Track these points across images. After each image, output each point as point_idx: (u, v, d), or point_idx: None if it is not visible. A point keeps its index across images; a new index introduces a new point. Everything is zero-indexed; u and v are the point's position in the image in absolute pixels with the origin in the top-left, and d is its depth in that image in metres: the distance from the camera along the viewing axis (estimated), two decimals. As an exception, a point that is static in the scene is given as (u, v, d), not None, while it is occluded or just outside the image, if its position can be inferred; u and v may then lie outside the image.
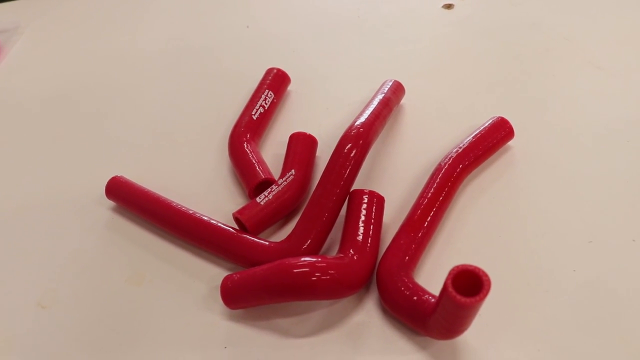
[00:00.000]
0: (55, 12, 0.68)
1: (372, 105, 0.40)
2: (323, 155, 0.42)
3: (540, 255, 0.35)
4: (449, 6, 0.57)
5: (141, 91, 0.53)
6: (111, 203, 0.42)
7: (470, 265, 0.26)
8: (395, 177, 0.41)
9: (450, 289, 0.26)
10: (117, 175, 0.41)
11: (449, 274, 0.26)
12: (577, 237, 0.36)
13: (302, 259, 0.32)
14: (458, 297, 0.26)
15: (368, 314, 0.33)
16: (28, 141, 0.49)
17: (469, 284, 0.26)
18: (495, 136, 0.40)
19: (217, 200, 0.41)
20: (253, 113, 0.44)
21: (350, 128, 0.37)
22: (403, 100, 0.46)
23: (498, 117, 0.41)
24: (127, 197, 0.40)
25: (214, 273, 0.36)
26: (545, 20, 0.54)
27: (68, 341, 0.34)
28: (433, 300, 0.30)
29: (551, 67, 0.49)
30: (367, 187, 0.36)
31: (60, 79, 0.56)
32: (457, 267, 0.26)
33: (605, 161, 0.40)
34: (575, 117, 0.44)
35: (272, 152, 0.44)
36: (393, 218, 0.38)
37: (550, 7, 0.55)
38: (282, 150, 0.42)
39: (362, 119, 0.38)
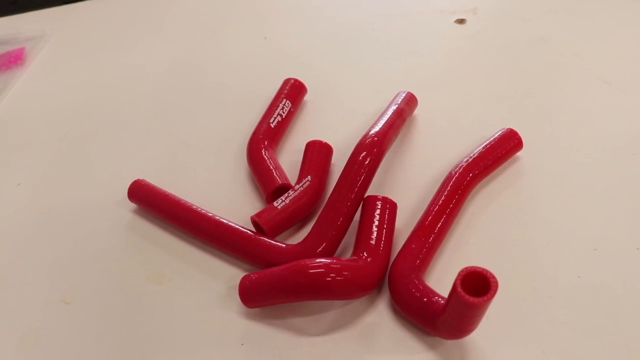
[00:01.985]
0: (80, 21, 0.70)
1: (386, 115, 0.42)
2: (338, 162, 0.44)
3: (546, 262, 0.36)
4: (461, 21, 0.58)
5: (163, 100, 0.54)
6: (133, 205, 0.43)
7: (479, 267, 0.28)
8: (408, 184, 0.42)
9: (459, 289, 0.27)
10: (139, 179, 0.43)
11: (458, 275, 0.28)
12: (582, 245, 0.37)
13: (318, 260, 0.33)
14: (467, 297, 0.27)
15: (380, 315, 0.35)
16: (53, 146, 0.51)
17: (477, 286, 0.28)
18: (505, 147, 0.41)
19: (235, 205, 0.42)
20: (271, 121, 0.45)
21: (365, 137, 0.39)
22: (416, 111, 0.47)
23: (507, 129, 0.42)
24: (148, 200, 0.42)
25: (232, 274, 0.38)
26: (554, 36, 0.55)
27: (90, 336, 0.36)
28: (442, 301, 0.32)
29: (560, 81, 0.50)
30: (381, 194, 0.37)
31: (84, 86, 0.58)
32: (466, 268, 0.28)
33: (610, 173, 0.41)
34: (582, 130, 0.45)
35: (288, 159, 0.45)
36: (405, 224, 0.39)
37: (559, 23, 0.57)
38: (299, 157, 0.43)
39: (377, 128, 0.40)
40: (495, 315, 0.33)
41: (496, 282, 0.27)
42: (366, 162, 0.38)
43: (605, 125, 0.45)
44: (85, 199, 0.45)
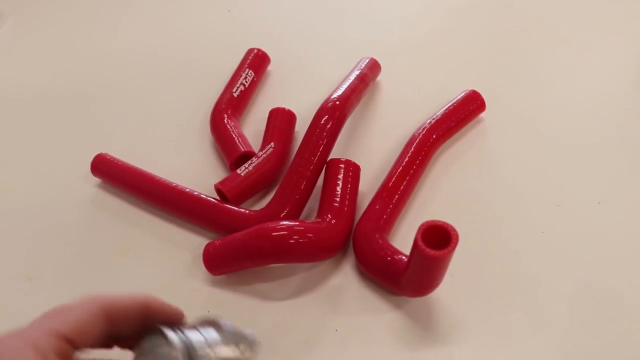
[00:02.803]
0: (40, 1, 0.68)
1: (348, 80, 0.41)
2: (302, 130, 0.43)
3: (510, 219, 0.36)
4: (425, -13, 0.58)
5: (128, 74, 0.53)
6: (97, 180, 0.43)
7: (439, 221, 0.28)
8: (372, 148, 0.42)
9: (420, 242, 0.27)
10: (102, 153, 0.42)
11: (419, 229, 0.28)
12: (545, 202, 0.37)
13: (281, 223, 0.33)
14: (428, 250, 0.27)
15: (345, 277, 0.35)
16: (15, 125, 0.50)
17: (439, 240, 0.28)
18: (468, 108, 0.41)
19: (200, 175, 0.42)
20: (234, 91, 0.45)
21: (327, 101, 0.39)
22: (380, 77, 0.47)
23: (470, 90, 0.42)
24: (112, 173, 0.41)
25: (197, 243, 0.38)
26: (519, 1, 0.55)
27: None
28: (406, 259, 0.32)
29: (524, 44, 0.50)
30: (344, 158, 0.37)
31: (45, 65, 0.56)
32: (427, 222, 0.28)
33: (571, 131, 0.42)
34: (544, 91, 0.45)
35: (252, 129, 0.45)
36: (369, 187, 0.39)
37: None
38: (263, 126, 0.43)
39: (338, 93, 0.39)
40: (459, 272, 0.33)
41: (457, 234, 0.27)
42: (328, 126, 0.37)
43: (566, 85, 0.45)
44: (49, 175, 0.44)
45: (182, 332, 0.22)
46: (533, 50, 0.50)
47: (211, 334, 0.23)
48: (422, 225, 0.28)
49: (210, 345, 0.22)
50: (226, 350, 0.22)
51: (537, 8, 0.54)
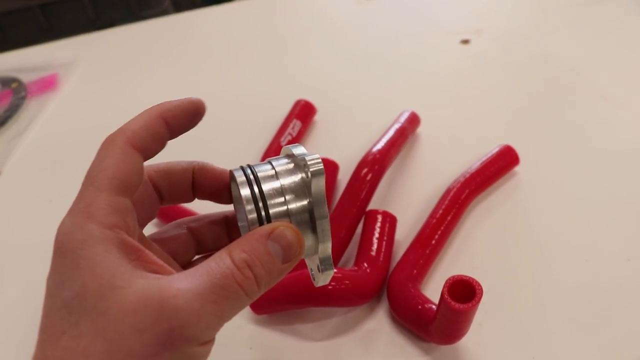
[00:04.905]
0: (107, 47, 0.75)
1: (388, 134, 0.44)
2: (344, 178, 0.46)
3: (539, 272, 0.38)
4: (465, 41, 0.61)
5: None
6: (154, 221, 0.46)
7: (465, 276, 0.30)
8: (408, 199, 0.44)
9: (446, 296, 0.30)
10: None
11: (445, 283, 0.30)
12: (574, 256, 0.39)
13: (321, 270, 0.36)
14: (453, 303, 0.29)
15: (379, 322, 0.37)
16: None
17: (465, 293, 0.30)
18: (501, 162, 0.43)
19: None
20: (282, 140, 0.48)
21: (368, 154, 0.42)
22: (419, 129, 0.50)
23: (504, 145, 0.44)
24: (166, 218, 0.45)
25: (243, 283, 0.41)
26: (555, 54, 0.57)
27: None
28: (435, 308, 0.34)
29: (559, 98, 0.52)
30: (382, 208, 0.40)
31: (112, 110, 0.62)
32: (453, 277, 0.30)
33: (603, 187, 0.43)
34: (578, 146, 0.47)
35: (298, 176, 0.48)
36: (405, 236, 0.41)
37: (560, 41, 0.59)
38: (308, 174, 0.46)
39: (379, 146, 0.42)
40: (488, 321, 0.35)
41: (481, 289, 0.29)
42: (368, 178, 0.40)
43: (600, 141, 0.47)
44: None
45: (252, 169, 0.24)
46: (568, 103, 0.51)
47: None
48: (449, 279, 0.30)
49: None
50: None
51: (573, 61, 0.56)
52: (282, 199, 0.24)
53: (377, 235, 0.38)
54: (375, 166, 0.41)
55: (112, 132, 0.24)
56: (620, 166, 0.44)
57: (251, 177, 0.24)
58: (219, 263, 0.21)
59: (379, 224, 0.39)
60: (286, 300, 0.36)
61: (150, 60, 0.70)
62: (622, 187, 0.43)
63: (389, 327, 0.37)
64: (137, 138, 0.23)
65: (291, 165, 0.25)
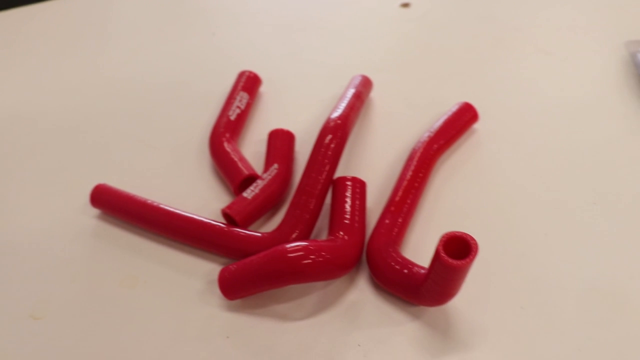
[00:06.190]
0: (28, 25, 0.66)
1: (345, 99, 0.42)
2: (301, 149, 0.44)
3: (513, 224, 0.38)
4: (405, 5, 0.60)
5: (116, 104, 0.53)
6: (96, 211, 0.42)
7: (458, 232, 0.29)
8: (372, 164, 0.43)
9: (442, 253, 0.28)
10: (100, 183, 0.42)
11: (440, 240, 0.29)
12: (544, 205, 0.39)
13: (295, 244, 0.33)
14: (450, 260, 0.28)
15: (361, 292, 0.35)
16: (5, 161, 0.49)
17: (457, 250, 0.28)
18: (462, 119, 0.43)
19: (202, 200, 0.42)
20: (230, 114, 0.45)
21: (329, 121, 0.39)
22: (371, 94, 0.48)
23: (463, 102, 0.44)
24: (112, 203, 0.41)
25: (208, 269, 0.37)
26: (495, 14, 0.57)
27: (65, 349, 0.34)
28: (422, 271, 0.32)
29: (504, 55, 0.52)
30: (348, 175, 0.38)
31: (34, 93, 0.55)
32: (447, 234, 0.29)
33: (560, 134, 0.43)
34: (530, 99, 0.47)
35: (250, 151, 0.45)
36: (374, 202, 0.40)
37: (499, 0, 0.59)
38: (260, 148, 0.43)
39: (338, 112, 0.40)
40: (471, 279, 0.34)
41: (476, 244, 0.28)
42: (332, 145, 0.38)
43: (552, 92, 0.47)
44: (45, 210, 0.43)
45: None
46: (513, 59, 0.52)
47: None
48: (443, 237, 0.29)
49: None
50: None
51: (513, 19, 0.56)
52: None
53: (349, 202, 0.36)
54: (338, 132, 0.39)
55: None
56: (570, 113, 0.45)
57: None
58: None
59: (349, 191, 0.37)
60: (261, 280, 0.34)
61: (69, 42, 0.63)
62: (577, 133, 0.43)
63: (372, 296, 0.35)
64: None
65: None
